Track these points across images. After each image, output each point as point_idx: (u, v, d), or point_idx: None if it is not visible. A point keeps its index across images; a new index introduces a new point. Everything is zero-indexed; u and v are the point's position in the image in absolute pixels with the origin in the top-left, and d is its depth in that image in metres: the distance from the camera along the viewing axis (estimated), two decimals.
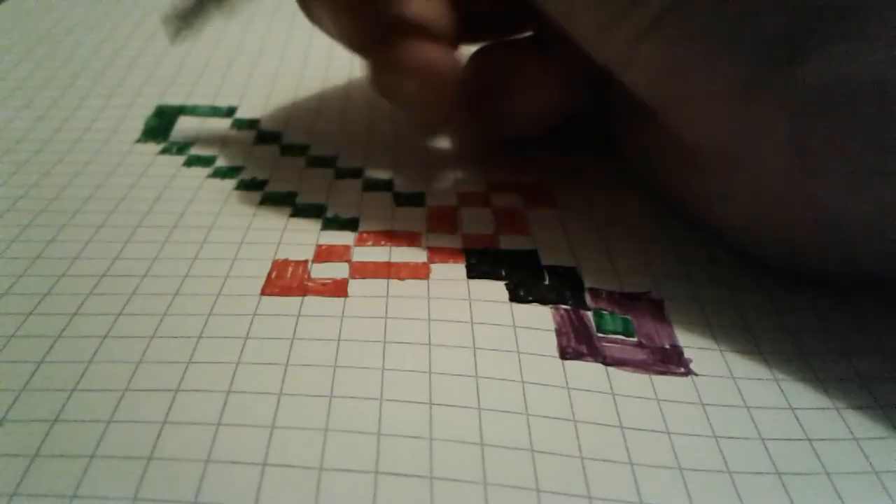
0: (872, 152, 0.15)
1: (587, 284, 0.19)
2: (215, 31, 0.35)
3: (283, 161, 0.25)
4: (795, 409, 0.16)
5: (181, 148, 0.26)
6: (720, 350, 0.18)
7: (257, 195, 0.23)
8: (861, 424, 0.16)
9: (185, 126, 0.27)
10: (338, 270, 0.19)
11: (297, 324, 0.17)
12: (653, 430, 0.16)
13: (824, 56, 0.15)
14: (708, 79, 0.17)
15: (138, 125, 0.27)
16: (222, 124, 0.27)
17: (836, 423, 0.16)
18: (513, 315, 0.18)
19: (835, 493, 0.14)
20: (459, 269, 0.20)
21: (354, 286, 0.19)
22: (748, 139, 0.17)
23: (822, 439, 0.16)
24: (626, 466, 0.15)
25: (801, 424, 0.16)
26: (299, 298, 0.18)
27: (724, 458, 0.15)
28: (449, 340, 0.17)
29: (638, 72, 0.18)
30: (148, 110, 0.28)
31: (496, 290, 0.19)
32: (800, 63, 0.16)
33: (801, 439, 0.16)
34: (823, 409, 0.16)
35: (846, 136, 0.16)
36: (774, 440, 0.16)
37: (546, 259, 0.20)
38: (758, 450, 0.15)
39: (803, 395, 0.17)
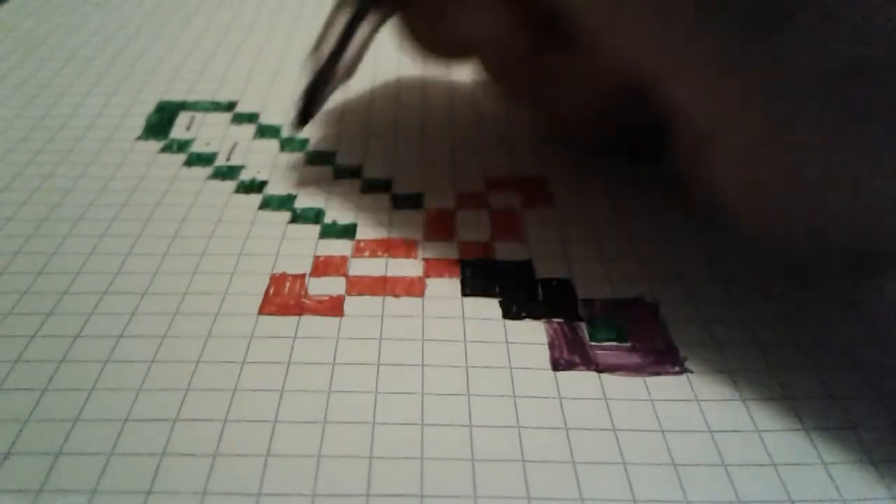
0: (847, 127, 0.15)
1: (580, 295, 0.19)
2: (217, 27, 0.35)
3: (283, 157, 0.25)
4: (792, 399, 0.17)
5: (182, 145, 0.26)
6: (716, 346, 0.18)
7: (257, 199, 0.23)
8: (860, 412, 0.16)
9: (185, 122, 0.27)
10: (334, 286, 0.20)
11: (293, 347, 0.18)
12: (646, 430, 0.16)
13: (794, 30, 0.15)
14: (684, 50, 0.17)
15: (140, 122, 0.27)
16: (223, 119, 0.27)
17: (833, 412, 0.16)
18: (505, 331, 0.18)
19: (830, 481, 0.15)
20: (454, 284, 0.20)
21: (350, 304, 0.19)
22: (727, 110, 0.17)
23: (818, 429, 0.16)
24: (619, 467, 0.15)
25: (797, 415, 0.16)
26: (296, 318, 0.19)
27: (719, 451, 0.15)
28: (442, 360, 0.17)
29: (623, 42, 0.18)
30: (149, 107, 0.28)
31: (490, 307, 0.19)
32: (772, 36, 0.15)
33: (796, 429, 0.16)
34: (820, 398, 0.17)
35: (819, 110, 0.15)
36: (770, 432, 0.16)
37: (540, 271, 0.20)
38: (754, 442, 0.16)
39: (800, 386, 0.17)
